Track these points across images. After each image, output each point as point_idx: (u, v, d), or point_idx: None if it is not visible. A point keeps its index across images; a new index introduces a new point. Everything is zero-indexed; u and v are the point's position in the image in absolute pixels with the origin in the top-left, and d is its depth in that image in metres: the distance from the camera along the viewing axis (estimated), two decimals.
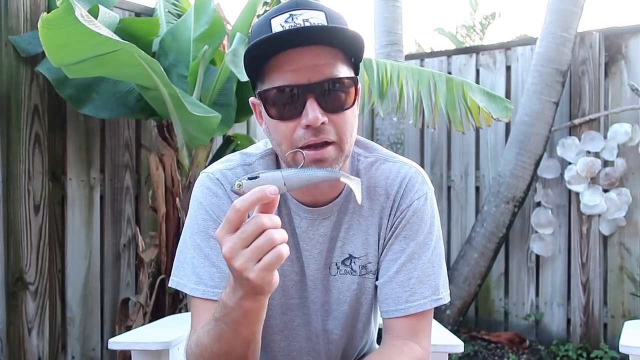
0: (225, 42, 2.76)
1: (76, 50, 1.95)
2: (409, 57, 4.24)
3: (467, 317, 3.87)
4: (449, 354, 1.67)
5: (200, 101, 2.47)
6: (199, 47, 2.48)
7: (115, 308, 2.71)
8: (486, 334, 3.75)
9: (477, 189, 3.98)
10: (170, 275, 1.14)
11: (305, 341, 1.19)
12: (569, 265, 3.61)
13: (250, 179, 0.82)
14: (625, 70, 3.52)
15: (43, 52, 2.03)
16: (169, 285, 1.12)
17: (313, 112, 0.95)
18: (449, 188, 4.09)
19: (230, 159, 1.16)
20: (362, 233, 1.13)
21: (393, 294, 1.11)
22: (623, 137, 3.38)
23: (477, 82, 3.89)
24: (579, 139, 3.49)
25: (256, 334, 0.92)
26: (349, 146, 1.02)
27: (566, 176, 3.50)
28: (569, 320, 3.61)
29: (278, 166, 1.14)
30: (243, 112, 2.75)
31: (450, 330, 2.16)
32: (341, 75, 0.98)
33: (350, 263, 1.14)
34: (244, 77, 2.25)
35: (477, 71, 3.99)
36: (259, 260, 0.78)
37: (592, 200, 3.40)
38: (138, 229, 2.74)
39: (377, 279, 1.15)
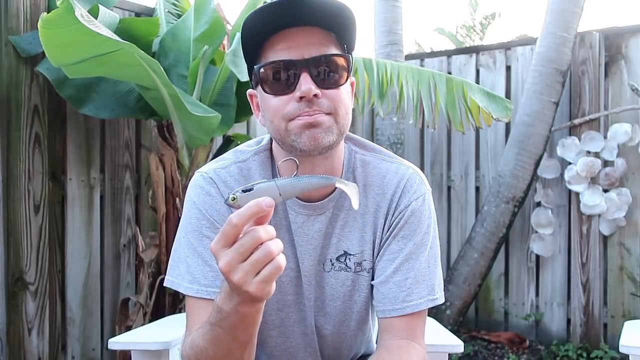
0: (225, 42, 2.76)
1: (76, 50, 1.95)
2: (409, 57, 4.24)
3: (467, 317, 3.87)
4: (449, 354, 1.67)
5: (200, 101, 2.47)
6: (199, 47, 2.48)
7: (115, 308, 2.71)
8: (486, 334, 3.75)
9: (477, 189, 3.98)
10: (167, 270, 1.14)
11: (301, 337, 1.19)
12: (569, 265, 3.61)
13: (244, 191, 0.81)
14: (625, 70, 3.52)
15: (43, 52, 2.03)
16: (164, 284, 1.13)
17: (307, 83, 0.98)
18: (449, 188, 4.09)
19: (224, 158, 1.17)
20: (358, 230, 1.14)
21: (390, 293, 1.11)
22: (623, 137, 3.38)
23: (477, 82, 3.89)
24: (579, 139, 3.49)
25: (253, 337, 0.92)
26: (344, 121, 1.04)
27: (566, 176, 3.50)
28: (569, 320, 3.62)
29: (273, 162, 1.14)
30: (243, 112, 2.75)
31: (450, 330, 2.16)
32: (333, 52, 1.01)
33: (345, 260, 1.14)
34: (244, 77, 2.25)
35: (477, 71, 3.99)
36: (258, 273, 0.78)
37: (592, 200, 3.40)
38: (138, 229, 2.74)
39: (372, 278, 1.16)
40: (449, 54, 4.16)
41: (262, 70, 1.02)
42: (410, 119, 3.03)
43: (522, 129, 3.55)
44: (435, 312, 3.63)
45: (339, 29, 1.02)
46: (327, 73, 1.01)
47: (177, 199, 2.52)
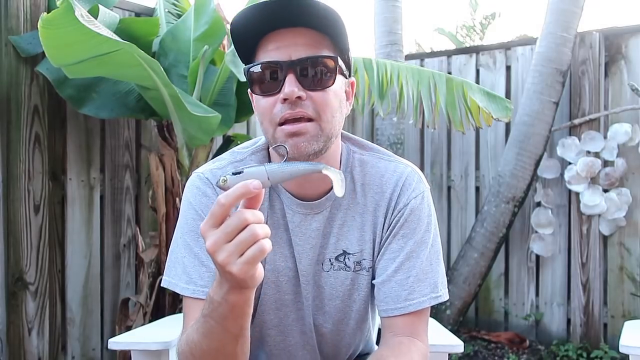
0: (225, 42, 2.76)
1: (76, 50, 1.95)
2: (409, 57, 4.24)
3: (467, 317, 3.87)
4: (449, 354, 1.67)
5: (200, 101, 2.47)
6: (199, 47, 2.48)
7: (115, 308, 2.71)
8: (486, 334, 3.75)
9: (477, 189, 3.98)
10: (164, 270, 1.15)
11: (300, 336, 1.19)
12: (569, 265, 3.61)
13: (234, 174, 0.83)
14: (625, 70, 3.52)
15: (43, 52, 2.03)
16: (162, 284, 1.14)
17: (290, 85, 0.98)
18: (449, 188, 4.09)
19: (221, 158, 1.18)
20: (357, 229, 1.14)
21: (392, 292, 1.11)
22: (623, 137, 3.38)
23: (477, 82, 3.89)
24: (579, 139, 3.49)
25: (244, 329, 0.93)
26: (330, 126, 1.03)
27: (566, 176, 3.50)
28: (569, 320, 3.62)
29: (270, 161, 1.14)
30: (243, 112, 2.75)
31: (450, 330, 2.16)
32: (322, 54, 1.01)
33: (344, 259, 1.14)
34: (243, 77, 2.25)
35: (477, 71, 3.99)
36: (242, 254, 0.79)
37: (592, 200, 3.40)
38: (138, 229, 2.74)
39: (373, 277, 1.16)
40: (449, 54, 4.16)
41: (250, 70, 1.03)
42: (410, 119, 3.03)
43: (522, 129, 3.55)
44: (435, 312, 3.63)
45: (332, 30, 1.02)
46: (313, 75, 1.00)
47: (177, 199, 2.52)
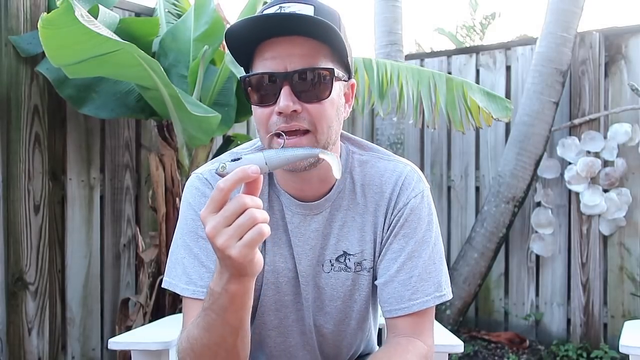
0: (225, 42, 2.76)
1: (76, 50, 1.95)
2: (409, 57, 4.24)
3: (467, 317, 3.87)
4: (449, 354, 1.67)
5: (200, 101, 2.47)
6: (199, 47, 2.48)
7: (115, 308, 2.71)
8: (486, 334, 3.75)
9: (477, 189, 3.98)
10: (165, 271, 1.15)
11: (300, 337, 1.19)
12: (569, 265, 3.61)
13: (233, 160, 0.85)
14: (625, 70, 3.52)
15: (43, 52, 2.03)
16: (162, 285, 1.14)
17: (285, 99, 0.98)
18: (449, 188, 4.09)
19: (220, 159, 1.17)
20: (357, 230, 1.14)
21: (395, 293, 1.11)
22: (623, 137, 3.38)
23: (477, 82, 3.89)
24: (579, 139, 3.49)
25: (244, 322, 0.93)
26: (326, 137, 1.03)
27: (566, 176, 3.50)
28: (569, 320, 3.61)
29: None
30: (243, 112, 2.75)
31: (450, 330, 2.16)
32: (319, 66, 1.00)
33: (345, 260, 1.14)
34: None
35: (477, 71, 3.99)
36: (241, 238, 0.80)
37: (592, 200, 3.40)
38: (138, 229, 2.74)
39: (374, 278, 1.16)
40: (449, 54, 4.16)
41: (246, 80, 1.02)
42: (410, 119, 3.03)
43: (522, 129, 3.55)
44: (435, 312, 3.63)
45: (331, 37, 1.00)
46: (309, 87, 0.99)
47: (177, 199, 2.52)
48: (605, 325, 3.50)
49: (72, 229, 2.59)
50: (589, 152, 3.47)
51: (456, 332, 3.63)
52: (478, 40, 9.13)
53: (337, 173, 0.90)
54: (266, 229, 0.81)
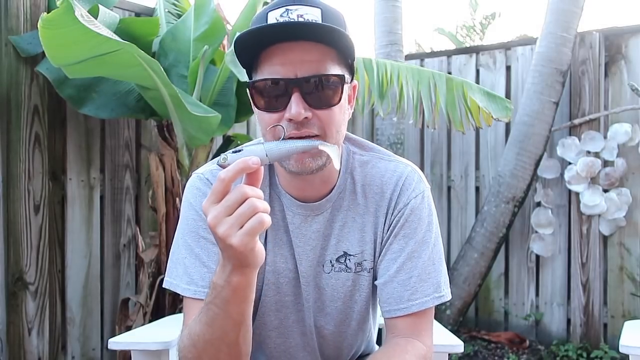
0: (225, 42, 2.76)
1: (76, 50, 1.95)
2: (409, 57, 4.24)
3: (467, 317, 3.87)
4: (449, 354, 1.67)
5: (200, 101, 2.47)
6: (199, 47, 2.48)
7: (115, 308, 2.71)
8: (486, 334, 3.75)
9: (477, 189, 3.98)
10: (166, 271, 1.15)
11: (300, 337, 1.19)
12: (569, 265, 3.61)
13: (234, 152, 0.87)
14: (625, 70, 3.52)
15: (43, 52, 2.04)
16: (163, 285, 1.14)
17: (296, 106, 0.97)
18: (449, 188, 4.09)
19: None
20: (357, 230, 1.14)
21: (395, 293, 1.11)
22: (623, 137, 3.38)
23: (477, 82, 3.89)
24: (579, 139, 3.49)
25: (246, 316, 0.93)
26: (334, 141, 1.03)
27: (566, 176, 3.50)
28: (569, 320, 3.61)
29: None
30: (243, 112, 2.75)
31: (450, 330, 2.16)
32: (329, 73, 0.99)
33: (345, 260, 1.14)
34: (244, 77, 2.25)
35: (477, 71, 3.99)
36: (242, 226, 0.81)
37: (592, 200, 3.40)
38: (138, 229, 2.74)
39: (374, 278, 1.16)
40: (449, 54, 4.16)
41: (255, 85, 1.01)
42: (410, 119, 3.03)
43: (522, 129, 3.55)
44: (435, 312, 3.62)
45: (339, 42, 1.00)
46: (319, 93, 0.99)
47: (177, 199, 2.52)
48: (605, 325, 3.50)
49: (72, 229, 2.59)
50: (589, 152, 3.47)
51: (456, 332, 3.63)
52: (478, 40, 9.13)
53: (337, 163, 0.91)
54: (267, 218, 0.82)
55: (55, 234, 2.51)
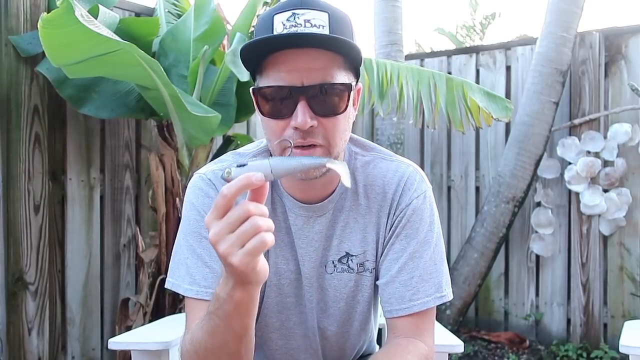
0: (225, 42, 2.76)
1: (76, 50, 1.95)
2: (409, 57, 4.24)
3: (467, 317, 3.87)
4: (449, 354, 1.67)
5: (200, 101, 2.47)
6: (199, 47, 2.48)
7: (115, 308, 2.71)
8: (486, 334, 3.75)
9: (477, 189, 3.98)
10: (168, 272, 1.14)
11: (302, 339, 1.19)
12: (569, 265, 3.61)
13: (238, 166, 0.84)
14: (625, 70, 3.52)
15: (43, 52, 2.03)
16: (165, 286, 1.13)
17: (302, 115, 0.96)
18: (449, 188, 4.09)
19: (223, 160, 1.17)
20: (359, 231, 1.13)
21: (396, 293, 1.11)
22: (623, 137, 3.38)
23: (477, 82, 3.89)
24: (579, 139, 3.49)
25: (248, 329, 0.92)
26: (338, 149, 1.03)
27: (566, 176, 3.50)
28: (569, 320, 3.62)
29: None
30: (243, 112, 2.75)
31: (450, 330, 2.16)
32: (336, 81, 0.98)
33: (347, 261, 1.14)
34: (244, 77, 2.25)
35: (477, 71, 3.99)
36: (243, 245, 0.79)
37: (592, 200, 3.40)
38: (138, 229, 2.74)
39: (376, 278, 1.16)
40: (449, 54, 4.16)
41: (260, 91, 1.00)
42: (410, 119, 3.03)
43: (522, 129, 3.55)
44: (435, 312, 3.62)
45: (346, 49, 0.99)
46: (325, 101, 0.98)
47: (177, 199, 2.52)
48: (605, 325, 3.50)
49: (72, 229, 2.59)
50: (589, 152, 3.47)
51: (456, 332, 3.63)
52: (478, 40, 9.13)
53: (346, 182, 0.88)
54: (269, 237, 0.79)
55: (55, 234, 2.51)
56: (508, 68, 3.90)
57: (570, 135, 3.56)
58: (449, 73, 3.95)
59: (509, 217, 3.61)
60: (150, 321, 2.48)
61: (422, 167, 4.15)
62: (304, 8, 0.98)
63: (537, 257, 3.73)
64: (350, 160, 1.15)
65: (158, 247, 2.56)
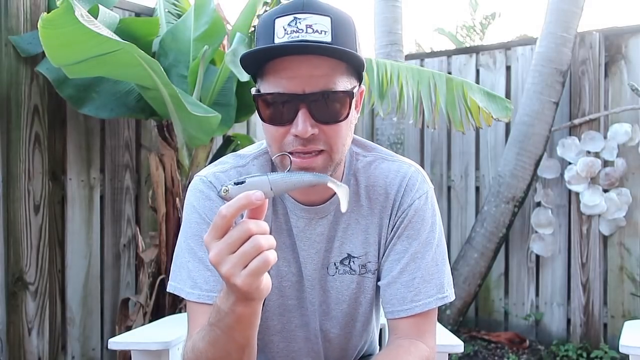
0: (225, 42, 2.76)
1: (76, 50, 1.95)
2: (409, 57, 4.24)
3: (467, 317, 3.87)
4: (449, 354, 1.67)
5: (200, 101, 2.47)
6: (199, 47, 2.47)
7: (115, 308, 2.71)
8: (486, 334, 3.75)
9: (477, 189, 3.98)
10: (170, 275, 1.14)
11: (304, 342, 1.18)
12: (569, 265, 3.61)
13: (236, 184, 0.81)
14: (625, 70, 3.52)
15: (43, 52, 2.03)
16: (167, 290, 1.12)
17: (303, 123, 0.95)
18: (449, 188, 4.09)
19: (224, 162, 1.16)
20: (361, 232, 1.13)
21: (398, 294, 1.10)
22: (623, 137, 3.38)
23: (477, 82, 3.89)
24: (579, 139, 3.49)
25: (250, 339, 0.92)
26: (340, 155, 1.02)
27: (566, 176, 3.50)
28: (569, 320, 3.62)
29: (272, 166, 1.13)
30: (243, 112, 2.75)
31: (450, 330, 2.16)
32: (338, 88, 0.97)
33: (349, 262, 1.14)
34: (244, 77, 2.25)
35: (477, 71, 3.99)
36: (246, 266, 0.77)
37: (592, 200, 3.40)
38: (138, 229, 2.74)
39: (378, 279, 1.15)
40: (449, 54, 4.16)
41: (261, 96, 0.99)
42: (410, 119, 3.03)
43: (522, 129, 3.55)
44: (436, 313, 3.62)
45: (349, 55, 0.97)
46: (327, 108, 0.97)
47: (177, 199, 2.52)
48: (605, 325, 3.50)
49: (72, 229, 2.59)
50: (589, 152, 3.47)
51: (456, 332, 3.63)
52: (478, 40, 9.13)
53: (344, 206, 0.87)
54: (272, 255, 0.78)
55: (55, 234, 2.51)
56: (508, 68, 3.90)
57: (570, 135, 3.56)
58: (449, 73, 3.95)
59: (509, 217, 3.61)
60: (150, 321, 2.48)
61: (422, 167, 4.13)
62: (306, 12, 0.96)
63: (537, 257, 3.73)
64: (351, 162, 1.15)
65: (158, 247, 2.56)
